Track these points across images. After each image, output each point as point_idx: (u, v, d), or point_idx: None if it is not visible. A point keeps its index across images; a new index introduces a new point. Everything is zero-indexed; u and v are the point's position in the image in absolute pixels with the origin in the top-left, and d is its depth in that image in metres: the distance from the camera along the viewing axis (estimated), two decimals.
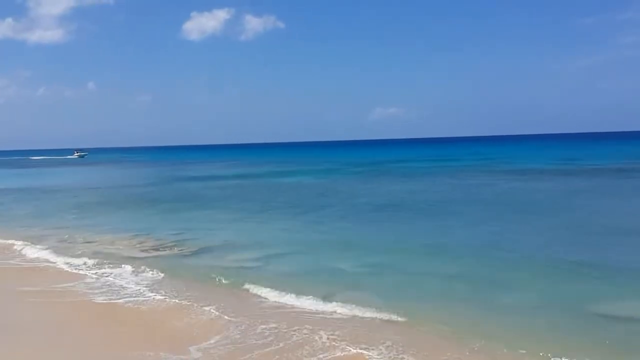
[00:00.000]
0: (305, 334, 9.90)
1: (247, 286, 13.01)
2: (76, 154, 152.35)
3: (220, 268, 15.15)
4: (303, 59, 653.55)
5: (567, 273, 13.84)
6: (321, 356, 8.87)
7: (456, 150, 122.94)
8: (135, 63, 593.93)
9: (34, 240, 20.26)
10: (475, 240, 18.45)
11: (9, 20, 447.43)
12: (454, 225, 21.60)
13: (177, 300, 12.28)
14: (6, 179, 63.17)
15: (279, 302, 11.89)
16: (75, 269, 15.73)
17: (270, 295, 12.29)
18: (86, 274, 15.03)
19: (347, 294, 12.21)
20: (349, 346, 9.22)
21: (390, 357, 8.79)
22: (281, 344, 9.44)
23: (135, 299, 12.59)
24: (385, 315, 10.67)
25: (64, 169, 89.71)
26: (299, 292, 12.22)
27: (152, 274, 14.71)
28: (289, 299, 11.92)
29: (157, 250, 18.26)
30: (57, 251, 18.29)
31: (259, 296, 12.41)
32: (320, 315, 10.98)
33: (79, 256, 17.34)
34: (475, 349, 9.07)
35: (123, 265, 15.68)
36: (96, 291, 13.29)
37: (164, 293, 12.88)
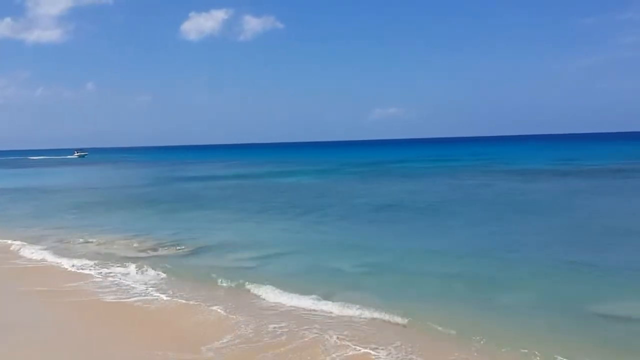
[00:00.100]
0: (315, 333, 9.94)
1: (250, 286, 13.00)
2: (76, 154, 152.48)
3: (223, 268, 15.15)
4: (302, 59, 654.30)
5: (567, 273, 13.84)
6: (334, 355, 8.93)
7: (456, 151, 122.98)
8: (134, 63, 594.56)
9: (34, 241, 20.24)
10: (475, 240, 18.46)
11: (8, 20, 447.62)
12: (454, 225, 21.60)
13: (183, 301, 12.28)
14: (4, 179, 63.09)
15: (282, 302, 11.89)
16: (79, 269, 15.70)
17: (274, 295, 12.30)
18: (90, 274, 15.02)
19: (350, 294, 12.20)
20: (359, 346, 9.25)
21: (399, 357, 8.82)
22: (295, 343, 9.49)
23: (143, 298, 12.61)
24: (389, 316, 10.65)
25: (63, 169, 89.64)
26: (301, 292, 12.23)
27: (156, 274, 14.70)
28: (293, 299, 11.93)
29: (159, 250, 18.24)
30: (59, 251, 18.27)
31: (263, 296, 12.41)
32: (326, 316, 10.99)
33: (80, 256, 17.33)
34: (480, 349, 9.06)
35: (127, 266, 15.66)
36: (104, 291, 13.29)
37: (171, 293, 12.89)
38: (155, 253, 17.83)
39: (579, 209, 25.26)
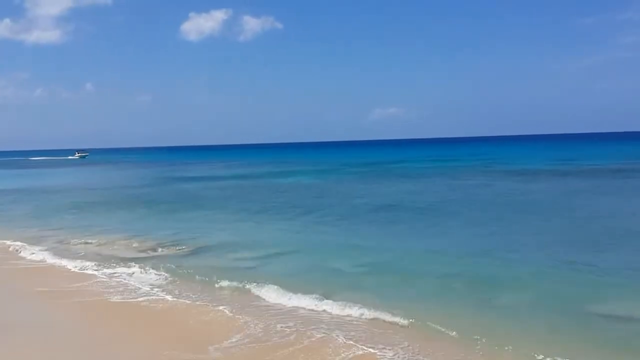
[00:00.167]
0: (323, 333, 9.98)
1: (253, 286, 12.99)
2: (77, 155, 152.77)
3: (225, 268, 15.18)
4: (302, 59, 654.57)
5: (567, 273, 13.85)
6: (343, 355, 8.98)
7: (455, 151, 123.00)
8: (134, 63, 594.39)
9: (35, 241, 20.26)
10: (476, 240, 18.48)
11: (7, 20, 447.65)
12: (454, 225, 21.63)
13: (189, 301, 12.30)
14: (5, 180, 63.06)
15: (286, 302, 11.91)
16: (81, 269, 15.72)
17: (277, 295, 12.31)
18: (93, 274, 15.06)
19: (352, 294, 12.19)
20: (366, 346, 9.28)
21: (405, 357, 8.85)
22: (304, 343, 9.55)
23: (149, 298, 12.63)
24: (392, 316, 10.64)
25: (64, 169, 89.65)
26: (304, 292, 12.24)
27: (160, 274, 14.69)
28: (296, 300, 11.96)
29: (160, 250, 18.26)
30: (59, 252, 18.29)
31: (267, 296, 12.41)
32: (331, 316, 11.02)
33: (81, 257, 17.37)
34: (484, 351, 9.06)
35: (129, 266, 15.67)
36: (109, 291, 13.32)
37: (177, 293, 12.92)
38: (157, 253, 17.85)
39: (578, 209, 25.26)
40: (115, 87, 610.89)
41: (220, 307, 11.65)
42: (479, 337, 9.46)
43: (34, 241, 20.30)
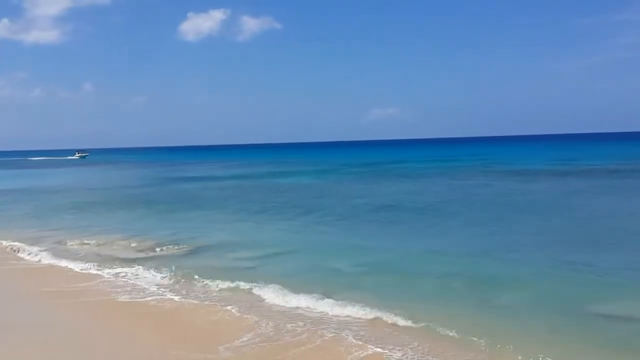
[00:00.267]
0: (333, 332, 10.01)
1: (258, 286, 12.94)
2: (77, 155, 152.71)
3: (229, 269, 15.19)
4: (301, 59, 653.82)
5: (567, 273, 13.86)
6: (356, 354, 9.03)
7: (455, 151, 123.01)
8: (133, 64, 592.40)
9: (36, 242, 20.24)
10: (475, 240, 18.50)
11: (5, 20, 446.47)
12: (454, 225, 21.65)
13: (197, 301, 12.32)
14: (5, 180, 63.00)
15: (292, 302, 11.87)
16: (82, 269, 15.71)
17: (283, 295, 12.27)
18: (97, 274, 15.07)
19: (356, 294, 12.13)
20: (377, 346, 9.30)
21: (415, 358, 8.88)
22: (316, 342, 9.58)
23: (155, 298, 12.65)
24: (396, 317, 10.60)
25: (64, 169, 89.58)
26: (309, 293, 12.21)
27: (164, 274, 14.64)
28: (302, 300, 11.91)
29: (162, 251, 18.25)
30: (60, 252, 18.28)
31: (273, 296, 12.36)
32: (337, 316, 11.00)
33: (82, 257, 17.37)
34: (488, 351, 9.04)
35: (133, 266, 15.64)
36: (116, 291, 13.33)
37: (183, 293, 12.95)
38: (158, 253, 17.85)
39: (578, 209, 25.28)
40: (114, 87, 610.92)
41: (228, 307, 11.67)
42: (480, 338, 9.44)
43: (34, 241, 20.28)
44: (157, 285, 13.75)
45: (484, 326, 10.10)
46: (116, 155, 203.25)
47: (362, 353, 9.06)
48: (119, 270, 15.37)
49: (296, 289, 12.51)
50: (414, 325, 10.26)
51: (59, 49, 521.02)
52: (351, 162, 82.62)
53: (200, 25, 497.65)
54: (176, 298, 12.59)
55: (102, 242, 19.87)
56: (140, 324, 10.95)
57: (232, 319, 11.04)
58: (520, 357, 8.74)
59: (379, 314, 10.87)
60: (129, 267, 15.63)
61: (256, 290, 12.78)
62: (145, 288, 13.51)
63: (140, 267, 15.49)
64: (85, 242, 20.04)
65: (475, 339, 9.44)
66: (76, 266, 16.08)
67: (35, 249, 18.86)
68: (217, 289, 13.19)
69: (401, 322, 10.41)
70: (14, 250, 18.79)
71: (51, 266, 16.49)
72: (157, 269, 15.21)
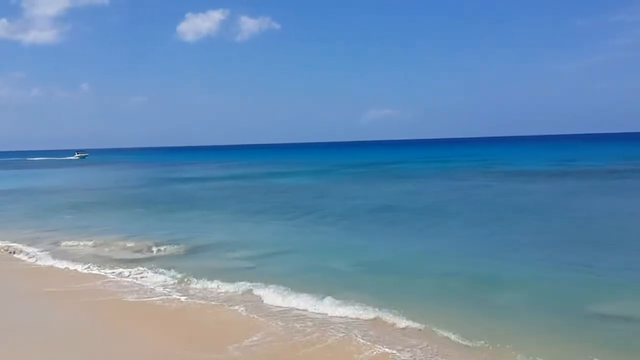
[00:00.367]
0: (342, 332, 10.06)
1: (261, 287, 12.94)
2: (77, 155, 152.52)
3: (231, 269, 15.20)
4: (299, 59, 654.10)
5: (567, 273, 13.88)
6: (367, 354, 9.08)
7: (454, 152, 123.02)
8: (131, 64, 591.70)
9: (36, 242, 20.26)
10: (475, 240, 18.51)
11: (4, 21, 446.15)
12: (454, 226, 21.67)
13: (203, 301, 12.33)
14: (4, 180, 62.92)
15: (296, 303, 11.89)
16: (87, 269, 15.72)
17: (289, 295, 12.27)
18: (101, 275, 15.09)
19: (360, 295, 12.10)
20: (386, 347, 9.33)
21: (424, 358, 8.91)
22: (328, 341, 9.63)
23: (162, 298, 12.68)
24: (401, 318, 10.63)
25: (64, 170, 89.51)
26: (312, 293, 12.21)
27: (167, 274, 14.64)
28: (306, 300, 11.92)
29: (163, 251, 18.25)
30: (61, 252, 18.32)
31: (279, 297, 12.35)
32: (344, 316, 11.03)
33: (85, 257, 17.39)
34: (488, 352, 9.04)
35: (136, 266, 15.64)
36: (123, 290, 13.37)
37: (190, 293, 12.99)
38: (159, 254, 17.86)
39: (578, 209, 25.31)
40: (112, 87, 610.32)
41: (235, 307, 11.71)
42: (481, 338, 9.47)
43: (34, 242, 20.30)
44: (161, 285, 13.77)
45: (484, 326, 10.13)
46: (115, 155, 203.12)
47: (372, 353, 9.11)
48: (121, 270, 15.37)
49: (299, 289, 12.53)
50: (419, 325, 10.28)
51: (58, 49, 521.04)
52: (351, 163, 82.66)
53: (198, 25, 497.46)
54: (182, 298, 12.61)
55: (102, 243, 19.85)
56: (148, 324, 10.96)
57: (240, 318, 11.07)
58: (520, 357, 8.75)
59: (382, 314, 10.89)
60: (131, 267, 15.62)
61: (259, 291, 12.78)
62: (150, 288, 13.53)
63: (143, 267, 15.50)
64: (85, 242, 20.02)
65: (477, 339, 9.46)
66: (78, 266, 16.08)
67: (35, 249, 18.88)
68: (221, 289, 13.20)
69: (406, 322, 10.44)
70: (11, 252, 18.73)
71: (52, 266, 16.47)
72: (160, 269, 15.22)
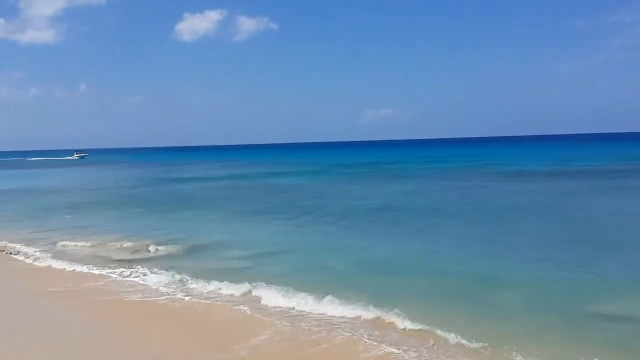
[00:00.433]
0: (349, 332, 10.09)
1: (265, 287, 12.92)
2: (76, 155, 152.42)
3: (234, 269, 15.20)
4: (298, 59, 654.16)
5: (567, 273, 13.90)
6: (374, 353, 9.13)
7: (453, 152, 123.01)
8: (129, 64, 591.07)
9: (37, 242, 20.28)
10: (475, 241, 18.52)
11: (1, 21, 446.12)
12: (454, 226, 21.67)
13: (207, 301, 12.36)
14: (3, 180, 62.88)
15: (300, 303, 11.87)
16: (89, 270, 15.72)
17: (293, 296, 12.25)
18: (104, 275, 15.09)
19: (361, 296, 12.08)
20: (392, 347, 9.36)
21: (430, 358, 8.94)
22: (335, 341, 9.66)
23: (166, 298, 12.71)
24: (403, 318, 10.64)
25: (64, 170, 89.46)
26: (314, 293, 12.20)
27: (170, 274, 14.60)
28: (309, 300, 11.90)
29: (164, 251, 18.24)
30: (64, 252, 18.38)
31: (282, 297, 12.31)
32: (349, 317, 11.01)
33: (87, 257, 17.44)
34: (489, 353, 9.06)
35: (137, 266, 15.61)
36: (126, 290, 13.41)
37: (194, 293, 13.00)
38: (160, 254, 17.85)
39: (577, 209, 25.33)
40: (111, 87, 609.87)
41: (240, 307, 11.73)
42: (481, 338, 9.48)
43: (34, 242, 20.31)
44: (165, 285, 13.77)
45: (484, 326, 10.16)
46: (114, 155, 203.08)
47: (378, 352, 9.15)
48: (123, 270, 15.38)
49: (300, 289, 12.53)
50: (422, 326, 10.28)
51: (56, 49, 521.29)
52: (350, 163, 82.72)
53: (196, 25, 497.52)
54: (186, 298, 12.62)
55: (102, 243, 19.83)
56: (153, 324, 10.98)
57: (245, 318, 11.09)
58: (520, 357, 8.76)
59: (384, 314, 10.92)
60: (132, 267, 15.62)
61: (261, 291, 12.78)
62: (154, 288, 13.54)
63: (144, 267, 15.50)
64: (85, 242, 20.00)
65: (477, 339, 9.46)
66: (78, 267, 16.08)
67: (35, 249, 18.88)
68: (223, 289, 13.19)
69: (409, 322, 10.45)
70: (11, 253, 18.72)
71: (52, 266, 16.47)
72: (162, 269, 15.22)
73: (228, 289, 13.13)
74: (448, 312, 11.10)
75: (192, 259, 17.00)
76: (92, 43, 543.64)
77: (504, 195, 32.38)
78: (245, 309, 11.63)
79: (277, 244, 18.72)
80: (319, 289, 12.47)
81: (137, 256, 17.53)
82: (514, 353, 8.92)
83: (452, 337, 9.68)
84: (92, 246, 19.39)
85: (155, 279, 14.32)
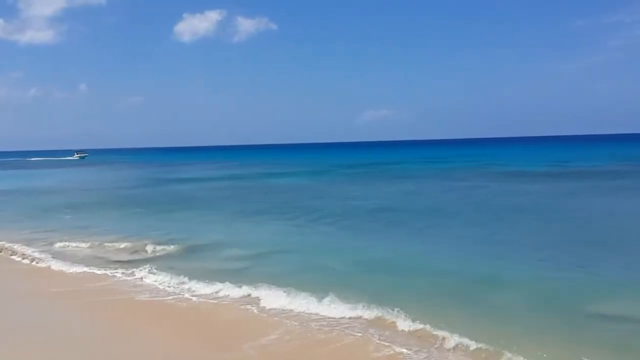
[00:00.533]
0: (359, 332, 10.10)
1: (271, 287, 12.88)
2: (76, 155, 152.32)
3: (235, 270, 15.20)
4: (298, 60, 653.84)
5: (567, 273, 13.90)
6: (385, 352, 9.17)
7: (453, 153, 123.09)
8: (128, 64, 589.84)
9: (38, 242, 20.28)
10: (475, 241, 18.52)
11: (0, 21, 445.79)
12: (453, 226, 21.68)
13: (215, 301, 12.36)
14: (3, 180, 62.86)
15: (303, 303, 11.85)
16: (91, 270, 15.70)
17: (297, 295, 12.23)
18: (108, 275, 15.09)
19: (363, 295, 12.03)
20: (402, 347, 9.37)
21: (438, 357, 8.99)
22: (345, 341, 9.68)
23: (173, 297, 12.72)
24: (407, 318, 10.61)
25: (64, 170, 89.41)
26: (316, 293, 12.17)
27: (171, 274, 14.58)
28: (312, 301, 11.88)
29: (165, 251, 18.25)
30: (64, 253, 18.39)
31: (287, 297, 12.26)
32: (350, 318, 11.01)
33: (88, 257, 17.44)
34: (489, 353, 9.05)
35: (140, 266, 15.57)
36: (133, 290, 13.45)
37: (200, 293, 13.00)
38: (161, 254, 17.86)
39: (577, 210, 25.34)
40: (110, 87, 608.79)
41: (247, 306, 11.73)
42: (481, 338, 9.46)
43: (34, 242, 20.30)
44: (169, 285, 13.78)
45: (484, 326, 10.15)
46: (114, 155, 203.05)
47: (388, 352, 9.17)
48: (123, 270, 15.39)
49: (304, 289, 12.50)
50: (426, 326, 10.25)
51: (55, 49, 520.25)
52: (350, 163, 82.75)
53: (195, 26, 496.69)
54: (193, 298, 12.62)
55: (102, 243, 19.82)
56: (160, 323, 10.98)
57: (252, 318, 11.09)
58: (520, 357, 8.75)
59: (387, 313, 10.91)
60: (132, 267, 15.62)
61: (264, 291, 12.74)
62: (160, 288, 13.54)
63: (145, 267, 15.45)
64: (85, 242, 19.99)
65: (477, 339, 9.44)
66: (78, 267, 16.07)
67: (35, 249, 18.87)
68: (226, 288, 13.15)
69: (413, 323, 10.43)
70: (10, 253, 18.72)
71: (53, 267, 16.44)
72: (162, 269, 15.20)
73: (230, 288, 13.11)
74: (448, 312, 11.09)
75: (192, 259, 17.00)
76: (92, 43, 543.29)
77: (503, 195, 32.39)
78: (252, 308, 11.65)
79: (276, 244, 18.72)
80: (320, 289, 12.45)
81: (137, 256, 17.54)
82: (514, 353, 8.91)
83: (453, 337, 9.65)
84: (92, 246, 19.39)
85: (157, 279, 14.34)
